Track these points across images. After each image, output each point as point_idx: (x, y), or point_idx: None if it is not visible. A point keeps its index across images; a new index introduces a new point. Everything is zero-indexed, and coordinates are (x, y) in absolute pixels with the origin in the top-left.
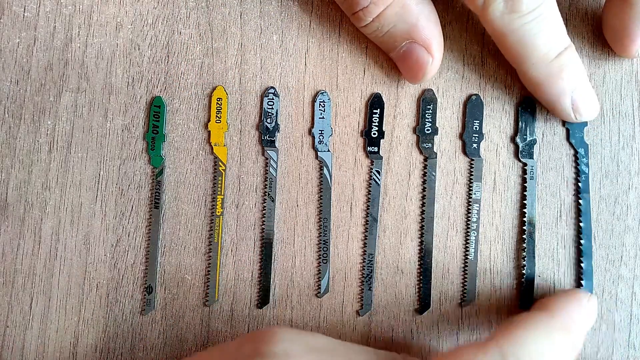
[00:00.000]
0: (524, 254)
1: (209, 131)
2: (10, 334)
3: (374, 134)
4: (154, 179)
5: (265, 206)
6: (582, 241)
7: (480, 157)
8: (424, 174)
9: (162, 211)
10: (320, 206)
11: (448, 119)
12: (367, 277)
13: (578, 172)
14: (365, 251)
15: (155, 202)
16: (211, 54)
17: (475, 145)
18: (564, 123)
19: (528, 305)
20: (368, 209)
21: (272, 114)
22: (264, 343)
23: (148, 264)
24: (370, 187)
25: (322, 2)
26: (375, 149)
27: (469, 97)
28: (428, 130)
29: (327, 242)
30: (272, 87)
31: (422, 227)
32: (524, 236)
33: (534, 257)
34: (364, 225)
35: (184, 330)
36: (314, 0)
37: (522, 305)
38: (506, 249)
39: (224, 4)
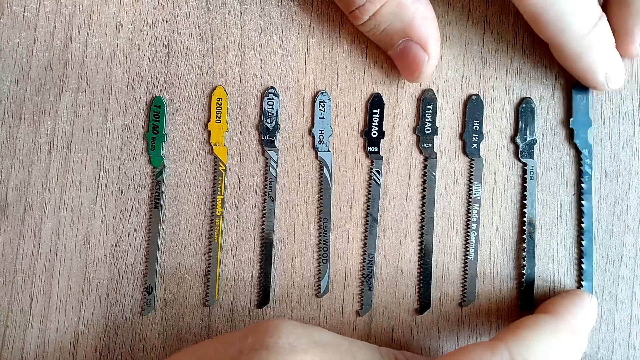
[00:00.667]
0: (524, 254)
1: (209, 131)
2: (10, 334)
3: (374, 134)
4: (154, 179)
5: (265, 206)
6: (583, 242)
7: (480, 157)
8: (424, 174)
9: (162, 211)
10: (320, 206)
11: (448, 119)
12: (367, 277)
13: (581, 173)
14: (365, 251)
15: (155, 202)
16: (211, 54)
17: (475, 145)
18: (568, 123)
19: (528, 305)
20: (368, 209)
21: (272, 114)
22: (268, 335)
23: (148, 264)
24: (370, 187)
25: (322, 2)
26: (375, 149)
27: (469, 97)
28: (428, 130)
29: (327, 242)
30: (272, 87)
31: (422, 227)
32: (524, 236)
33: (534, 257)
34: (364, 225)
35: (184, 330)
36: (314, 0)
37: (522, 305)
38: (506, 249)
39: (224, 3)
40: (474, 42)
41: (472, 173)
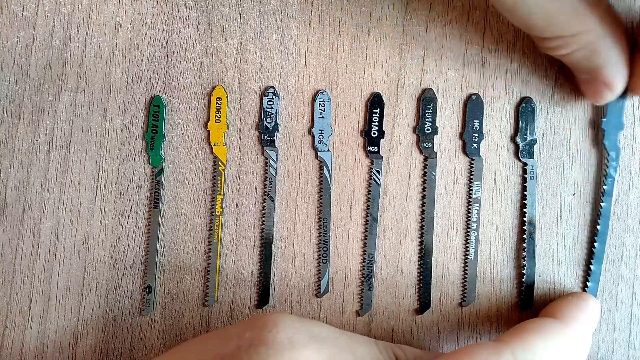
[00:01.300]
0: (524, 254)
1: (209, 131)
2: (9, 334)
3: (374, 133)
4: (153, 179)
5: (265, 206)
6: (595, 244)
7: (480, 156)
8: (424, 174)
9: (162, 211)
10: (320, 206)
11: (448, 118)
12: (367, 277)
13: (605, 175)
14: (365, 251)
15: (155, 202)
16: (211, 54)
17: (475, 145)
18: (599, 124)
19: (528, 305)
20: (368, 208)
21: (272, 113)
22: (267, 330)
23: (147, 263)
24: (370, 187)
25: (322, 2)
26: (375, 148)
27: (469, 97)
28: (428, 130)
29: (327, 242)
30: (271, 87)
31: (422, 227)
32: (524, 236)
33: (534, 257)
34: (364, 225)
35: (184, 330)
36: (314, 0)
37: (522, 305)
38: (506, 249)
39: (224, 3)
40: (474, 42)
41: (472, 173)
